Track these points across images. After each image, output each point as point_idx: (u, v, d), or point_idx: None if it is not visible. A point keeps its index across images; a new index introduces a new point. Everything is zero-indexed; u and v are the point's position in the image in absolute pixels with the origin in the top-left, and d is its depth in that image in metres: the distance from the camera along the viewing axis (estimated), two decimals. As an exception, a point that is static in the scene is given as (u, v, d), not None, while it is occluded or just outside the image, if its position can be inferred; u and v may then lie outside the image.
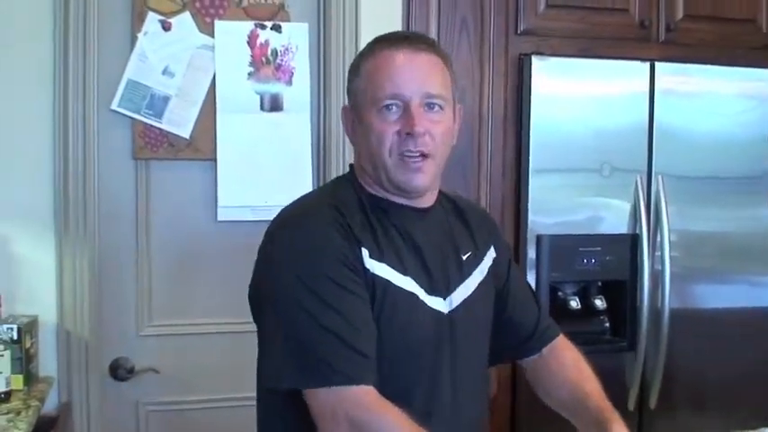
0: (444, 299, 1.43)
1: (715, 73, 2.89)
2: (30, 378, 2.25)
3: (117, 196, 2.47)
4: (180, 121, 2.50)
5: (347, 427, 1.26)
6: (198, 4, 2.51)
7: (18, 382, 2.18)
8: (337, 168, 2.56)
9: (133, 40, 2.47)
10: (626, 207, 2.80)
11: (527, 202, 2.74)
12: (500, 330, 1.59)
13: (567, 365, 1.61)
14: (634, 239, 2.80)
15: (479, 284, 1.50)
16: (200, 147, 2.50)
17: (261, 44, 2.56)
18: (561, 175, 2.76)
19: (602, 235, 2.79)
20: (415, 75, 1.39)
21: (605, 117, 2.79)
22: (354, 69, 1.47)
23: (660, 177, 2.81)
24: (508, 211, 2.78)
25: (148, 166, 2.49)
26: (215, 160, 2.50)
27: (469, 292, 1.47)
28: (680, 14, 2.91)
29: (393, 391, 1.31)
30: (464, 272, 1.48)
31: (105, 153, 2.46)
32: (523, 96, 2.76)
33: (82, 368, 2.40)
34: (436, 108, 1.40)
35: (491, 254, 1.55)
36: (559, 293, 2.78)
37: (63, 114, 2.40)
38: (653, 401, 2.84)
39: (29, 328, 2.26)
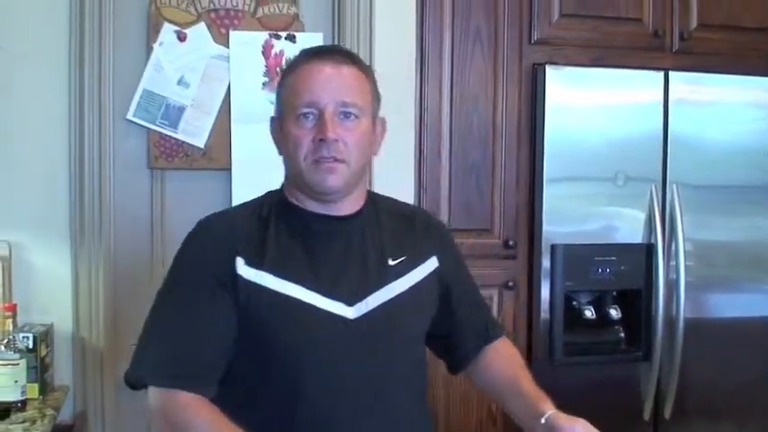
0: (350, 304, 1.44)
1: (729, 82, 2.88)
2: (45, 387, 2.26)
3: (132, 206, 2.48)
4: (195, 131, 2.51)
5: (168, 429, 1.39)
6: (213, 15, 2.53)
7: (33, 390, 2.19)
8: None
9: (149, 50, 2.49)
10: (640, 216, 2.80)
11: (541, 211, 2.74)
12: (447, 335, 1.65)
13: (502, 353, 1.67)
14: (649, 249, 2.79)
15: (410, 288, 1.52)
16: (215, 156, 2.51)
17: (275, 54, 2.57)
18: (575, 184, 2.76)
19: (617, 244, 2.79)
20: (332, 84, 1.45)
21: (619, 126, 2.79)
22: (280, 82, 1.54)
23: (675, 186, 2.81)
24: (522, 220, 2.78)
25: (164, 176, 2.50)
26: (230, 170, 2.51)
27: (392, 296, 1.49)
28: (694, 24, 2.91)
29: (282, 392, 1.40)
30: (388, 276, 1.50)
31: (121, 163, 2.47)
32: (537, 106, 2.76)
33: (97, 377, 2.41)
34: (351, 117, 1.45)
35: (432, 262, 1.57)
36: (574, 303, 2.77)
37: (79, 124, 2.41)
38: (668, 411, 2.83)
39: (44, 336, 2.27)
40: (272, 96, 2.50)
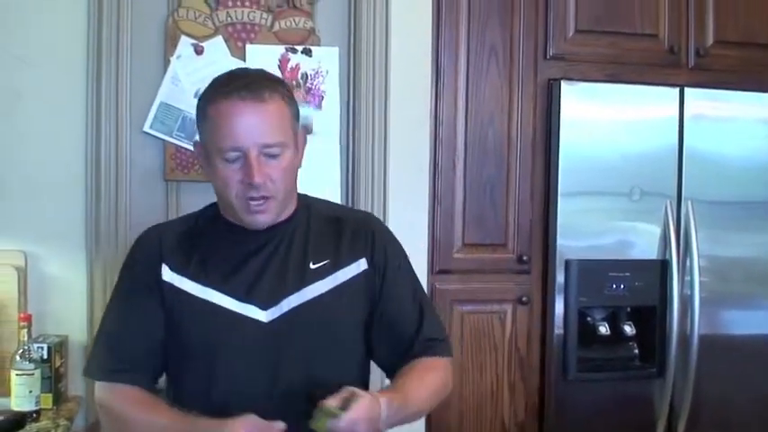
0: (265, 308, 1.53)
1: (744, 98, 2.88)
2: (59, 397, 2.26)
3: (148, 217, 2.46)
4: (211, 144, 2.52)
5: (103, 415, 1.62)
6: (230, 29, 2.54)
7: (47, 401, 2.20)
8: (366, 192, 2.57)
9: (166, 63, 2.50)
10: (655, 231, 2.79)
11: (555, 226, 2.74)
12: (378, 338, 1.66)
13: (415, 367, 1.63)
14: (663, 265, 2.78)
15: (331, 291, 1.57)
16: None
17: (291, 68, 2.58)
18: (590, 198, 2.76)
19: (632, 260, 2.78)
20: (252, 127, 1.49)
21: (635, 141, 2.79)
22: (201, 110, 1.58)
23: (689, 202, 2.80)
24: (537, 234, 2.77)
25: (179, 188, 2.51)
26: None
27: (309, 298, 1.55)
28: (710, 40, 2.90)
29: (194, 387, 1.57)
30: (307, 280, 1.56)
31: (137, 174, 2.48)
32: (552, 120, 2.77)
33: (110, 388, 2.41)
34: (275, 154, 1.51)
35: (360, 265, 1.61)
36: (588, 319, 2.76)
37: (95, 136, 2.43)
38: (681, 427, 2.81)
39: (59, 347, 2.28)
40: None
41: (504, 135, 2.75)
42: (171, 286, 1.57)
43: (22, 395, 2.12)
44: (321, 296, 1.56)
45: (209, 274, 1.56)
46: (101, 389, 1.62)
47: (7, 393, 2.14)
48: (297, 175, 1.61)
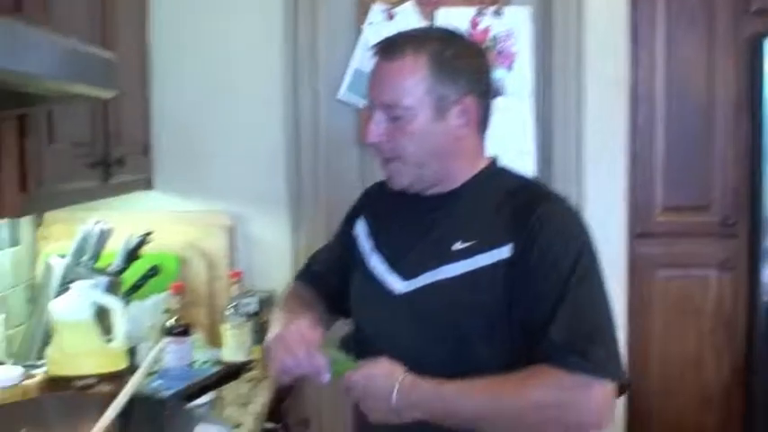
0: (405, 279, 1.46)
1: None
2: (266, 350, 2.38)
3: (343, 180, 2.57)
4: (403, 108, 2.56)
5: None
6: (421, -7, 2.57)
7: (257, 352, 2.32)
8: (560, 154, 2.53)
9: (358, 32, 2.57)
10: None
11: (762, 187, 2.58)
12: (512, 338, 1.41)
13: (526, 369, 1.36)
14: None
15: (465, 274, 1.40)
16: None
17: (482, 30, 2.57)
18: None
19: None
20: (375, 84, 1.45)
21: None
22: None
23: None
24: (742, 197, 2.63)
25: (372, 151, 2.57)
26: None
27: (440, 278, 1.42)
28: None
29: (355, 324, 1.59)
30: (449, 258, 1.42)
31: (333, 140, 2.57)
32: (756, 78, 2.61)
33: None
34: (398, 116, 1.42)
35: (506, 251, 1.39)
36: (800, 285, 2.59)
37: (294, 104, 2.53)
38: None
39: (266, 302, 2.39)
40: (479, 71, 2.57)
41: (706, 93, 2.64)
42: (355, 241, 1.59)
43: (235, 347, 2.23)
44: (453, 279, 1.41)
45: (378, 237, 1.56)
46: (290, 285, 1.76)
47: (220, 345, 2.28)
48: (446, 144, 1.45)
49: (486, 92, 1.46)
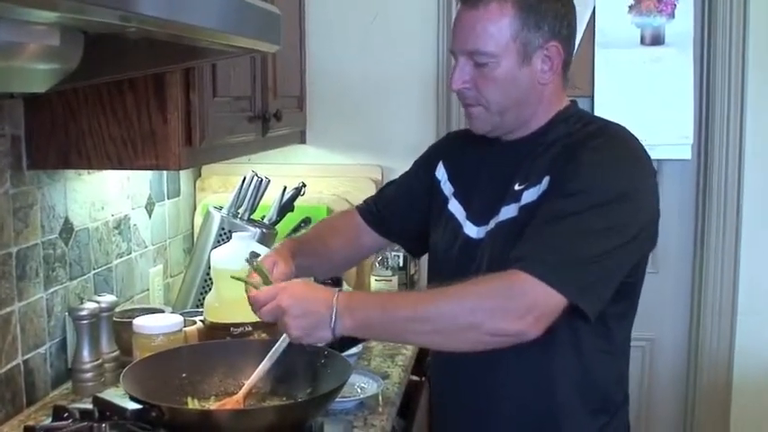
0: (479, 225, 1.49)
1: None
2: (412, 304, 2.40)
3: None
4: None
5: None
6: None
7: (404, 305, 2.34)
8: (722, 102, 2.43)
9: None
10: None
11: None
12: None
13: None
14: None
15: (520, 213, 1.43)
16: (577, 83, 2.46)
17: (642, -27, 2.45)
18: None
19: None
20: (459, 32, 1.45)
21: None
22: None
23: None
24: None
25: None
26: (592, 97, 2.46)
27: (503, 219, 1.45)
28: None
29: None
30: (507, 199, 1.45)
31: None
32: None
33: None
34: (481, 62, 1.42)
35: (542, 185, 1.42)
36: None
37: (446, 61, 2.51)
38: None
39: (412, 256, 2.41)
40: (638, 20, 2.46)
41: None
42: (437, 184, 1.60)
43: (382, 298, 2.28)
44: (511, 219, 1.44)
45: (460, 184, 1.57)
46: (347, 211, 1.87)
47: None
48: (529, 90, 1.45)
49: (568, 36, 1.46)
